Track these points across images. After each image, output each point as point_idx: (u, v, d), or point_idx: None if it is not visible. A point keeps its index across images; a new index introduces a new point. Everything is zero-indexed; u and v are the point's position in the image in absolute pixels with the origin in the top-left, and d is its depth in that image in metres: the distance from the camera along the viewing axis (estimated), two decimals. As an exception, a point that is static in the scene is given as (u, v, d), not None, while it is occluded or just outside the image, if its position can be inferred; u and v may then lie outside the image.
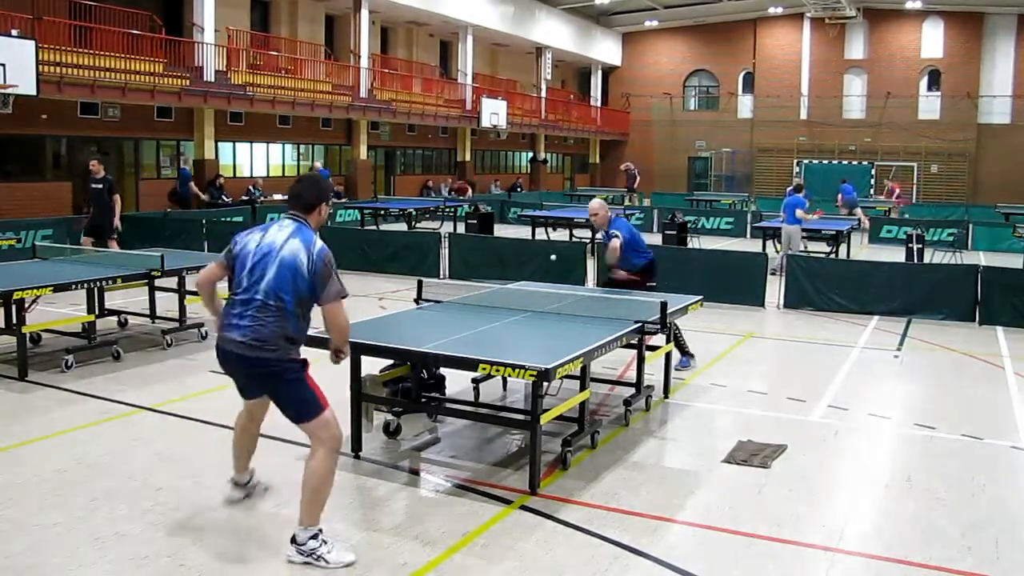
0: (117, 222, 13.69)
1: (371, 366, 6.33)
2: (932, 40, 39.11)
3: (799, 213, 15.98)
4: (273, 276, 4.47)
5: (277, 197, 24.82)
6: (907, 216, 26.59)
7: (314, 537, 4.45)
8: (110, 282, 8.89)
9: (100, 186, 13.62)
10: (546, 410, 5.63)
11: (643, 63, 44.07)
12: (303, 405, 4.56)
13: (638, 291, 8.22)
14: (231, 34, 23.80)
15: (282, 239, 4.53)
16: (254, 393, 4.85)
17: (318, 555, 4.43)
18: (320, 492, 4.50)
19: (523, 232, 20.62)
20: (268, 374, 4.54)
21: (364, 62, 27.80)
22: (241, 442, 5.13)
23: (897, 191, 30.81)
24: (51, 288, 8.21)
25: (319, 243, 4.55)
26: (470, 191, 31.66)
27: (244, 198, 23.62)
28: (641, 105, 44.09)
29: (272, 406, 4.75)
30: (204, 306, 4.97)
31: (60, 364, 8.25)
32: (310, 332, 4.55)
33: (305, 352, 4.71)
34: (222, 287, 4.97)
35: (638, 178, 33.44)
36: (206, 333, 9.69)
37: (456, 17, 31.07)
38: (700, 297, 8.07)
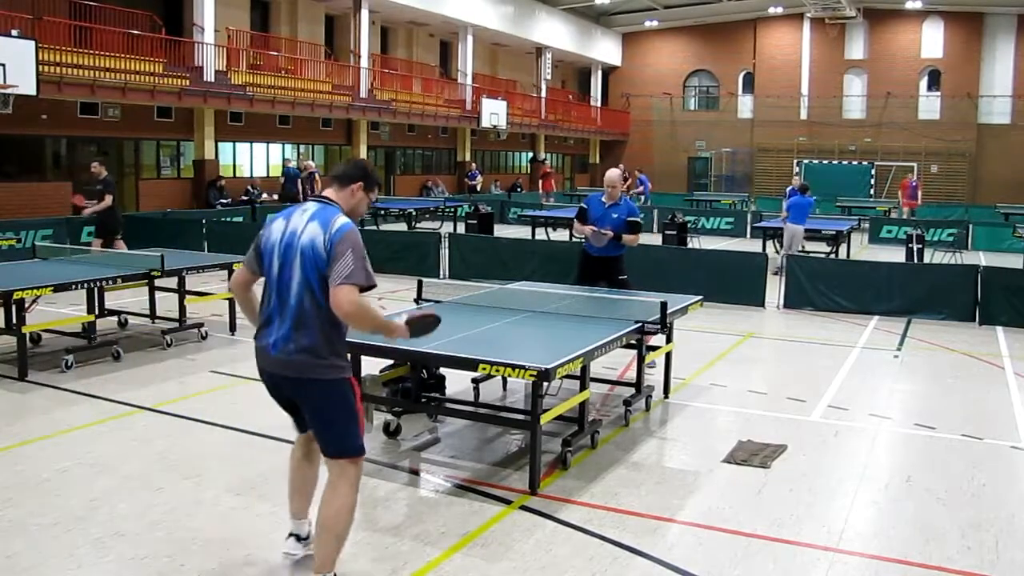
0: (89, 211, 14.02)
1: (371, 366, 6.33)
2: (932, 40, 39.11)
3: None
4: (299, 271, 3.85)
5: (277, 197, 24.83)
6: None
7: None
8: (110, 282, 8.90)
9: (99, 187, 13.99)
10: (546, 410, 5.63)
11: (643, 63, 44.07)
12: (345, 436, 3.96)
13: (633, 291, 8.23)
14: (231, 34, 23.81)
15: (303, 224, 3.91)
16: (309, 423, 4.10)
17: None
18: (344, 537, 4.02)
19: (523, 232, 20.61)
20: (311, 393, 3.93)
21: (364, 62, 27.80)
22: (295, 482, 4.41)
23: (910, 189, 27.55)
24: (51, 288, 8.21)
25: (341, 220, 3.88)
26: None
27: (244, 198, 23.61)
28: (641, 105, 44.08)
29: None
30: (246, 318, 4.30)
31: (60, 364, 8.25)
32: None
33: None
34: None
35: None
36: (206, 333, 9.70)
37: (456, 17, 31.06)
38: (700, 297, 8.06)
